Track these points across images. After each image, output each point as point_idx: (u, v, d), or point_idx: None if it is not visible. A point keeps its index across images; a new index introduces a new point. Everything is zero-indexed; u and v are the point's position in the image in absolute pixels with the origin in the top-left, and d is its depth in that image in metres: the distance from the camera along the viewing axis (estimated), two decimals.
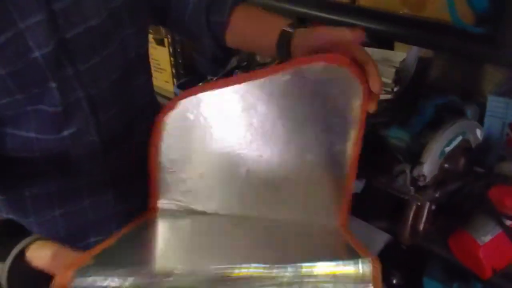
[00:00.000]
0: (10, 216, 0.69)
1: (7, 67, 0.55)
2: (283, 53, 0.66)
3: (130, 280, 0.44)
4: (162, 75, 1.56)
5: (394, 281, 1.12)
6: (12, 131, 0.62)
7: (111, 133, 0.68)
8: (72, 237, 0.73)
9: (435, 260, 1.04)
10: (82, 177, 0.69)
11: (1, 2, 0.52)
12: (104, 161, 0.69)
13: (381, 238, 1.08)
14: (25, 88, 0.57)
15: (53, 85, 0.58)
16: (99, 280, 0.44)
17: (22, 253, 0.47)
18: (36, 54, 0.56)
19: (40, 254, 0.47)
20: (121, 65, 0.67)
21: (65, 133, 0.63)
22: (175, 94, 1.47)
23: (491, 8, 0.73)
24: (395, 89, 1.19)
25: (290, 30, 0.65)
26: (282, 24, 0.67)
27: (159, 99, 1.42)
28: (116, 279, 0.44)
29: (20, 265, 0.47)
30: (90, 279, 0.44)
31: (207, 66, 1.47)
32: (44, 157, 0.64)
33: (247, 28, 0.72)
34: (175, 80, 1.51)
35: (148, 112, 0.74)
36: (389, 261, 1.09)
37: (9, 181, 0.56)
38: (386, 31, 0.90)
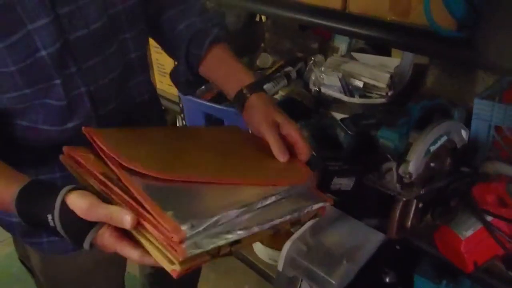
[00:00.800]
0: None
1: (17, 64, 0.60)
2: (238, 107, 0.74)
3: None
4: (167, 79, 1.60)
5: (387, 280, 1.14)
6: (22, 122, 0.68)
7: (110, 127, 0.73)
8: None
9: (425, 258, 1.07)
10: None
11: (12, 6, 0.58)
12: None
13: (377, 238, 1.11)
14: (32, 84, 0.63)
15: (58, 81, 0.64)
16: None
17: (64, 202, 0.53)
18: (43, 53, 0.62)
19: (77, 205, 0.53)
20: (120, 65, 0.73)
21: (69, 125, 0.69)
22: (179, 98, 1.52)
23: (469, 13, 0.76)
24: (389, 93, 1.24)
25: (246, 93, 0.73)
26: (244, 80, 0.74)
27: (164, 102, 1.48)
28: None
29: (67, 213, 0.53)
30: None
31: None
32: (50, 146, 0.70)
33: (216, 70, 0.79)
34: None
35: (147, 109, 0.80)
36: (382, 260, 1.13)
37: (17, 167, 0.62)
38: (375, 36, 0.94)
